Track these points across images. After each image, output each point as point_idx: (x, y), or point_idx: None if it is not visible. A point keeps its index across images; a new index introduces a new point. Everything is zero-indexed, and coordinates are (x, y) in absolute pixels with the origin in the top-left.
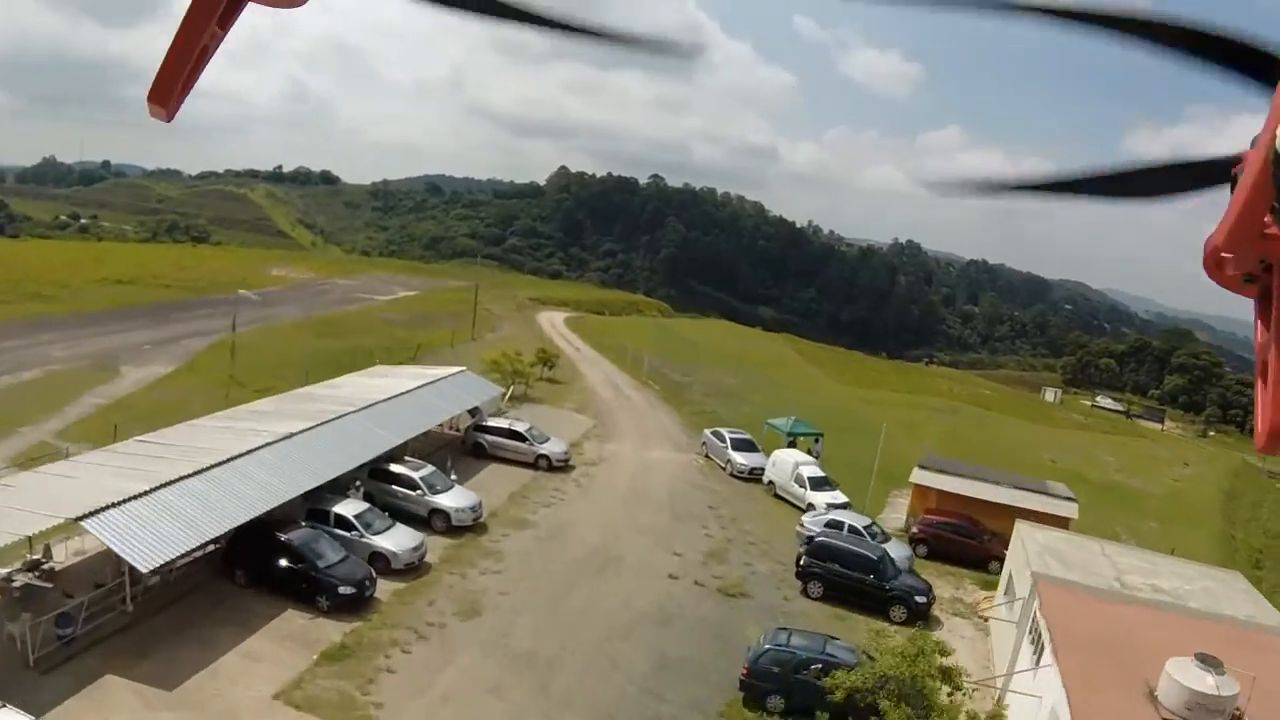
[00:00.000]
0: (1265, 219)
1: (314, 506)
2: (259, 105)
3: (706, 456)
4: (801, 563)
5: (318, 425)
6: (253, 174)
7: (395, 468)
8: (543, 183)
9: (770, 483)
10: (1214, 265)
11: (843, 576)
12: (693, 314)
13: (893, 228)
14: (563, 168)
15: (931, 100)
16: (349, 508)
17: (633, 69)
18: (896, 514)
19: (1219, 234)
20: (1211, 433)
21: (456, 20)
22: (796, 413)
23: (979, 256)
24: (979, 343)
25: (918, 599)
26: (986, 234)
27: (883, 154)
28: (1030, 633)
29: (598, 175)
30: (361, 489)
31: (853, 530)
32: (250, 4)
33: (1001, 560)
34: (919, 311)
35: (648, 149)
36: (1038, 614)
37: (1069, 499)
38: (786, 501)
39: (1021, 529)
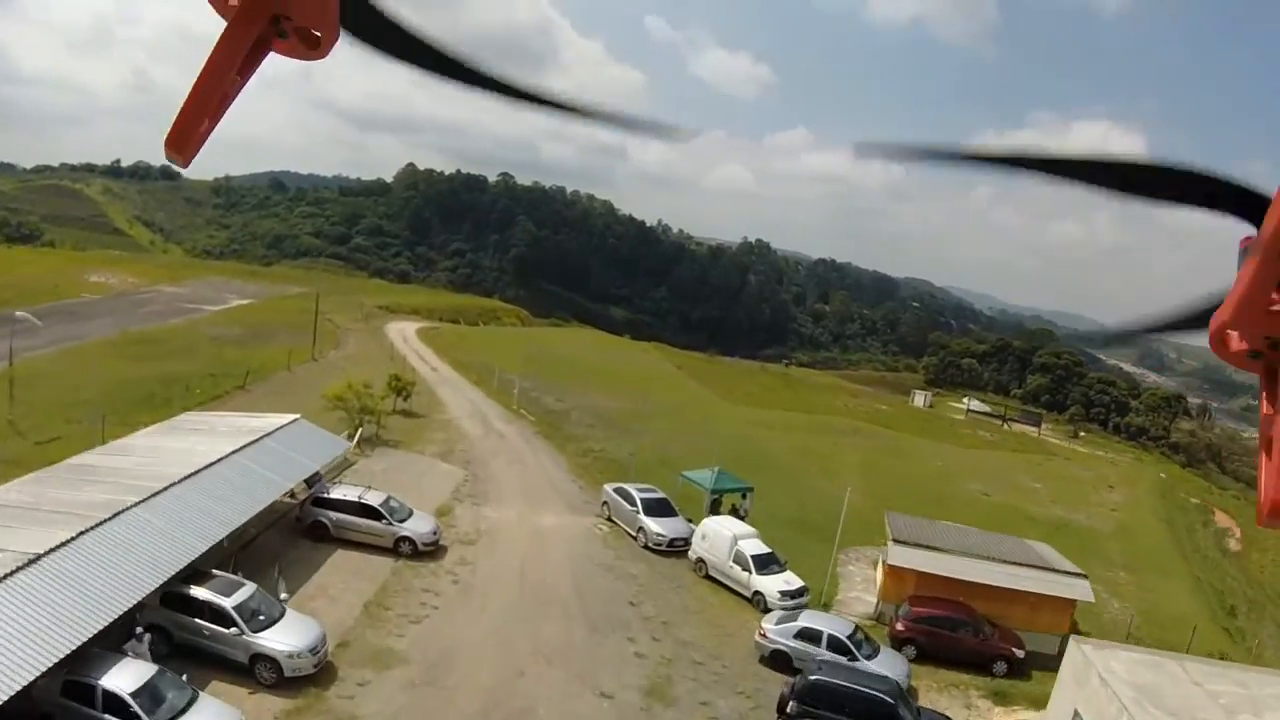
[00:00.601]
0: (1273, 295)
1: (73, 677)
2: (101, 95)
3: (609, 519)
4: (789, 710)
5: (85, 531)
6: (90, 168)
7: (198, 591)
8: (389, 180)
9: (699, 560)
10: (1219, 340)
11: None
12: (552, 319)
13: (741, 227)
14: (410, 164)
15: (779, 101)
16: (126, 678)
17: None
18: (854, 592)
19: (1225, 309)
20: (1082, 433)
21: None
22: (696, 446)
23: (826, 255)
24: (831, 341)
25: None
26: (833, 233)
27: (731, 154)
28: None
29: (446, 172)
30: (146, 637)
31: (833, 643)
32: (272, 54)
33: (1009, 660)
34: (770, 310)
35: (496, 146)
36: None
37: (1077, 575)
38: (722, 585)
39: (1086, 650)
